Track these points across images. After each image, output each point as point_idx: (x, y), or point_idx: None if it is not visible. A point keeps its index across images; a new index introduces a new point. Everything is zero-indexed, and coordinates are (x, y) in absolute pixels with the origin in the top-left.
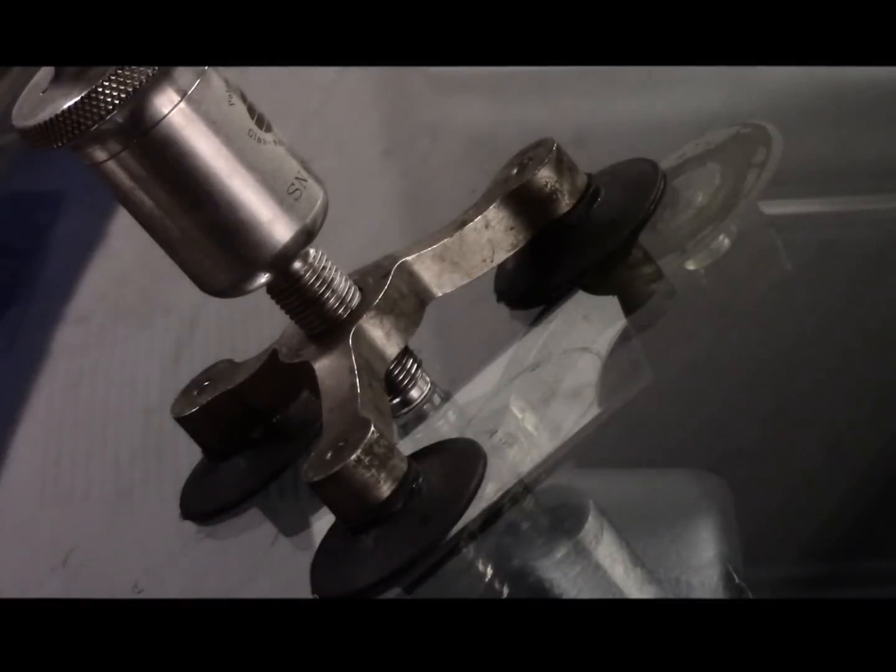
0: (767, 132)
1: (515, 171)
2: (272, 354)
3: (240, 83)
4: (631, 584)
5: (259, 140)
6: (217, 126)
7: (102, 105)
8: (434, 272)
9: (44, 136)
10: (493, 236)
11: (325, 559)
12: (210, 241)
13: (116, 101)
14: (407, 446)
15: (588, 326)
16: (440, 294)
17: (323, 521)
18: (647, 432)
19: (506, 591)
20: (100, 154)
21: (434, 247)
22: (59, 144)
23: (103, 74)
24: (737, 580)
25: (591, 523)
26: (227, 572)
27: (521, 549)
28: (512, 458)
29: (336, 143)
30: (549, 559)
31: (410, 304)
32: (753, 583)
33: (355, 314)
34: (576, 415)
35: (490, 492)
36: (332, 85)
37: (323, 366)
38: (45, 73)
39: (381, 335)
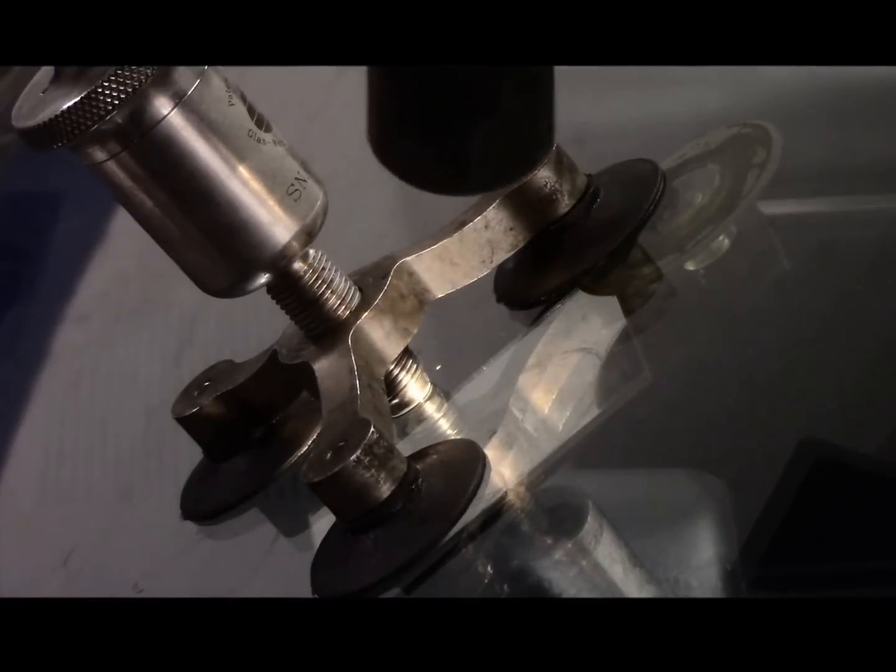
0: (767, 132)
1: None
2: (272, 355)
3: (240, 83)
4: (630, 584)
5: (259, 140)
6: (217, 126)
7: (102, 105)
8: (434, 272)
9: (44, 136)
10: (492, 237)
11: (325, 559)
12: (210, 241)
13: (116, 102)
14: (407, 446)
15: (588, 327)
16: (440, 294)
17: (323, 522)
18: (647, 432)
19: (505, 591)
20: (99, 154)
21: (434, 247)
22: (59, 144)
23: (103, 74)
24: (735, 580)
25: (591, 523)
26: (227, 572)
27: (521, 549)
28: (512, 459)
29: (336, 143)
30: (548, 559)
31: (410, 304)
32: (752, 582)
33: (355, 314)
34: (576, 415)
35: (489, 492)
36: (332, 85)
37: (322, 366)
38: (45, 73)
39: (381, 336)
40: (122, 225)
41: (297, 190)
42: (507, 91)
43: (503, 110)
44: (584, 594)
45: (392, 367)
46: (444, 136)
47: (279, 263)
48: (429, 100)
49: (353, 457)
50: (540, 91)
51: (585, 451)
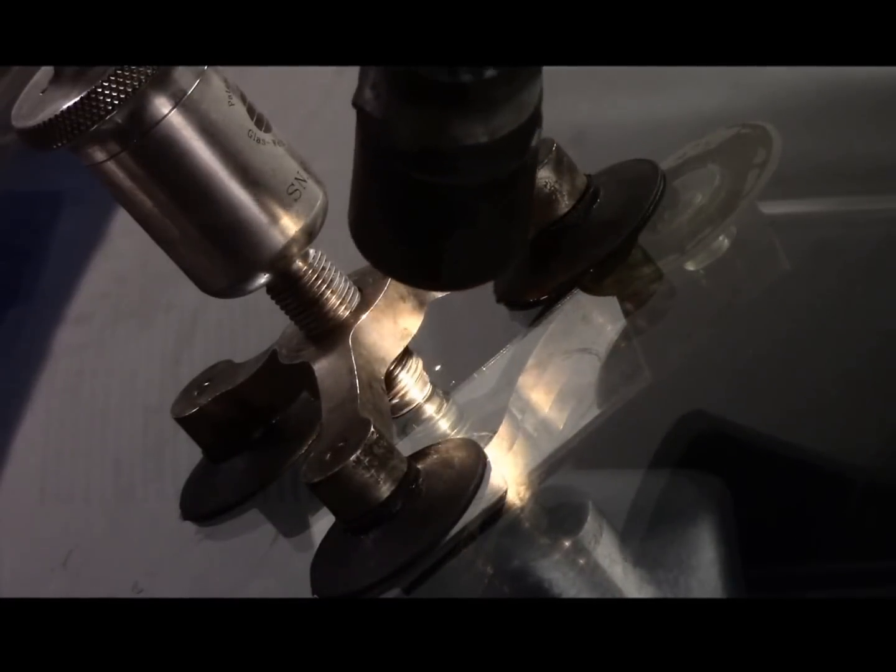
0: (767, 132)
1: None
2: (272, 355)
3: (240, 83)
4: (630, 584)
5: (258, 140)
6: (216, 126)
7: (102, 105)
8: None
9: (43, 136)
10: None
11: (325, 559)
12: (210, 241)
13: (116, 102)
14: (407, 446)
15: (588, 327)
16: (440, 294)
17: (323, 522)
18: (647, 432)
19: (505, 591)
20: (99, 154)
21: None
22: (59, 145)
23: (103, 74)
24: (735, 580)
25: (591, 523)
26: (227, 572)
27: (521, 549)
28: (512, 459)
29: (336, 143)
30: (548, 559)
31: (410, 304)
32: (752, 583)
33: (355, 315)
34: (576, 415)
35: (489, 492)
36: (332, 85)
37: (322, 366)
38: (45, 73)
39: (381, 336)
40: (122, 225)
41: (297, 190)
42: (484, 207)
43: (479, 224)
44: (584, 594)
45: (392, 366)
46: (420, 239)
47: (279, 263)
48: (408, 206)
49: (353, 457)
50: (515, 207)
51: (585, 451)
